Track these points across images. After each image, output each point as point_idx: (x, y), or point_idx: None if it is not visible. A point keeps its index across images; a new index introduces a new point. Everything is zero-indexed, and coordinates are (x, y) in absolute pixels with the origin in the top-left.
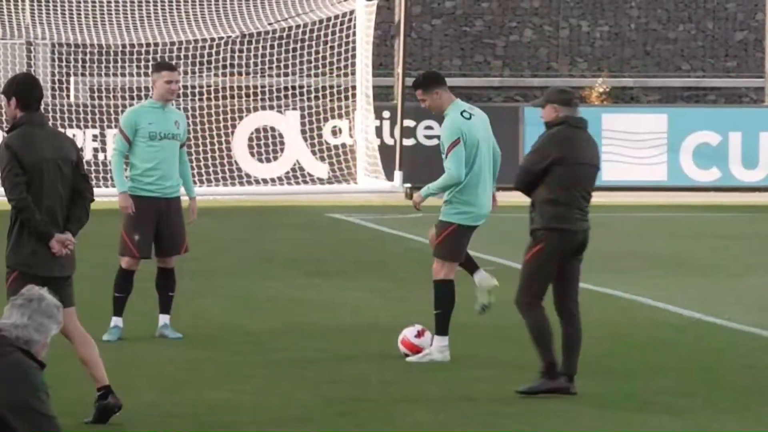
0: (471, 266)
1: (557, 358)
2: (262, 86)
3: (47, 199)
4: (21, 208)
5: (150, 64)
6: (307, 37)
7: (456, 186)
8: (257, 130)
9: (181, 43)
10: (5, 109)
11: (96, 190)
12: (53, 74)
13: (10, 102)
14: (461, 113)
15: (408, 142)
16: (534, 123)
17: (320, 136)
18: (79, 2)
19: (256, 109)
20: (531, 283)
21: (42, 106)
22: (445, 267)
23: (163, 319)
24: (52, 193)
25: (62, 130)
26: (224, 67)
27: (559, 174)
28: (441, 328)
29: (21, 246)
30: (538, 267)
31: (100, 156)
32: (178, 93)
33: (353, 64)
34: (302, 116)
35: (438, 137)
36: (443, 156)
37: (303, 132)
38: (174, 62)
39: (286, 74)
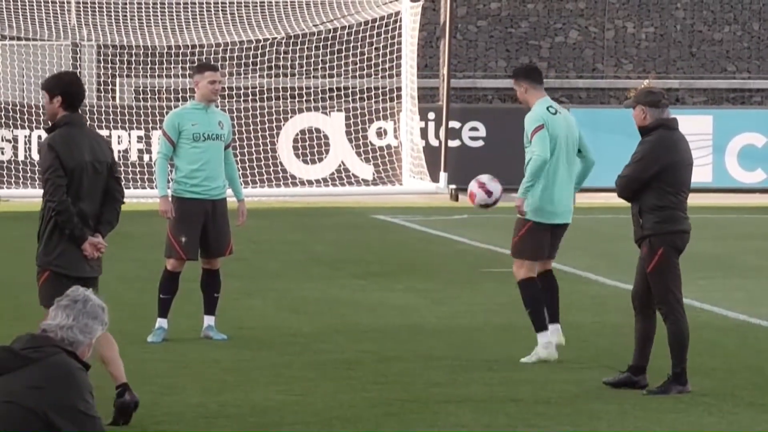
0: (551, 315)
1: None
2: (308, 87)
3: (82, 201)
4: (61, 211)
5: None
6: (352, 38)
7: (543, 167)
8: (302, 132)
9: (226, 44)
10: (46, 105)
11: (141, 192)
12: (99, 75)
13: (54, 99)
14: (547, 108)
15: (453, 143)
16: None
17: (365, 137)
18: (125, 4)
19: (301, 110)
20: (668, 290)
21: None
22: (525, 266)
23: (208, 320)
24: (87, 196)
25: (107, 132)
26: (269, 68)
27: (667, 179)
28: (538, 325)
29: (52, 246)
30: (667, 272)
31: (145, 157)
32: (222, 94)
33: (398, 66)
34: (347, 117)
35: (483, 138)
36: (526, 147)
37: (348, 133)
38: (219, 63)
39: (331, 75)
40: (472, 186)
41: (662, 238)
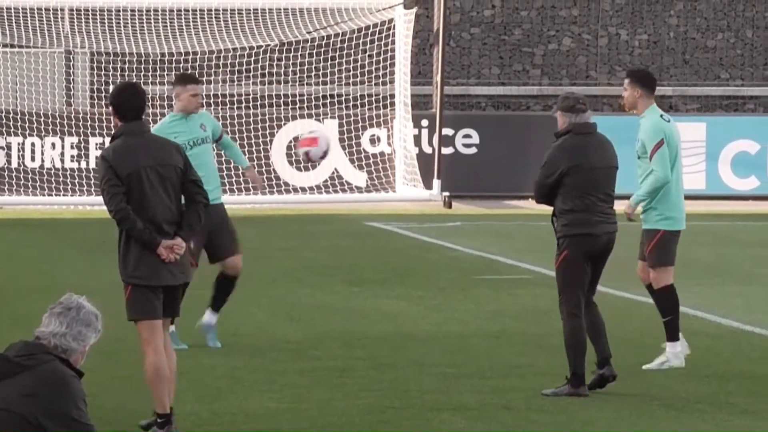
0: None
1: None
2: (301, 95)
3: (149, 207)
4: (121, 219)
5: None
6: (345, 45)
7: (663, 188)
8: (296, 139)
9: (219, 51)
10: (112, 118)
11: None
12: (92, 83)
13: (112, 111)
14: (660, 116)
15: (446, 150)
16: None
17: (359, 144)
18: (118, 11)
19: (294, 117)
20: (565, 289)
21: (143, 116)
22: (663, 273)
23: (212, 317)
24: (155, 201)
25: (100, 140)
26: (263, 75)
27: (572, 183)
28: (672, 335)
29: (129, 258)
30: (567, 273)
31: None
32: (216, 101)
33: (392, 73)
34: (340, 125)
35: (476, 146)
36: (640, 157)
37: (341, 140)
38: (213, 71)
39: (324, 83)
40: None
41: (568, 241)
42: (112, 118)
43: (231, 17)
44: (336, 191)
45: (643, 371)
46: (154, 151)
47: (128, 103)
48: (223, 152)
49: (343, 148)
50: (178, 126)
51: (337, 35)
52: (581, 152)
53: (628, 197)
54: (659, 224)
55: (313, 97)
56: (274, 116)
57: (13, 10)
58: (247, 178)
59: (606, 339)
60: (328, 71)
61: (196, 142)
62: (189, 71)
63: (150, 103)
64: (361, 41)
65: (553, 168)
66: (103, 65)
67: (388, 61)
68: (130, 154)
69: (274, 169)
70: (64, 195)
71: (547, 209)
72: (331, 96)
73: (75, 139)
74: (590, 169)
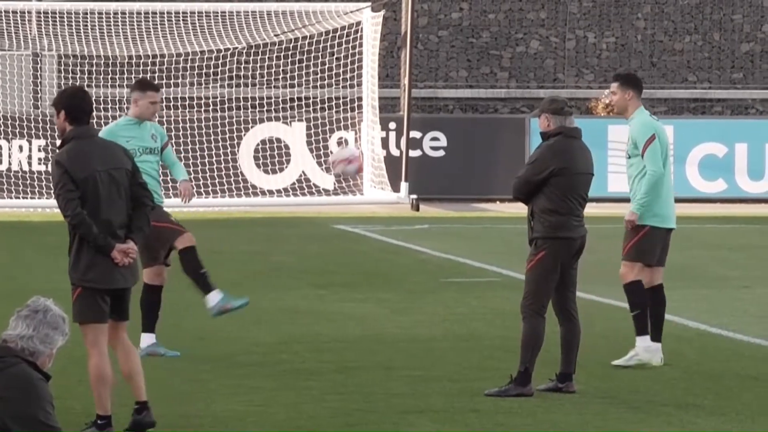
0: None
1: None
2: (268, 97)
3: (104, 211)
4: (77, 224)
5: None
6: (313, 48)
7: (659, 182)
8: (263, 142)
9: (187, 54)
10: (56, 122)
11: None
12: (59, 86)
13: (60, 115)
14: (650, 115)
15: (414, 153)
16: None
17: (326, 147)
18: (86, 14)
19: (262, 120)
20: (536, 290)
21: (92, 120)
22: (635, 269)
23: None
24: (108, 205)
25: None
26: (230, 78)
27: (558, 184)
28: (641, 328)
29: (80, 261)
30: (541, 274)
31: None
32: (183, 104)
33: (359, 76)
34: (308, 127)
35: (444, 148)
36: (630, 156)
37: (309, 143)
38: (180, 73)
39: (292, 86)
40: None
41: (546, 242)
42: (56, 121)
43: (198, 20)
44: (304, 194)
45: (611, 375)
46: (106, 155)
47: (80, 107)
48: (164, 162)
49: (311, 151)
50: (132, 130)
51: (304, 38)
52: (570, 155)
53: (594, 200)
54: (647, 220)
55: (280, 99)
56: (242, 119)
57: None
58: (180, 188)
59: (575, 355)
60: (296, 74)
61: (145, 151)
62: (156, 75)
63: (118, 106)
64: (328, 44)
65: (543, 166)
66: (70, 68)
67: (356, 64)
68: (84, 158)
69: (241, 172)
70: (31, 198)
71: (518, 212)
72: (299, 99)
73: (42, 142)
74: (575, 172)
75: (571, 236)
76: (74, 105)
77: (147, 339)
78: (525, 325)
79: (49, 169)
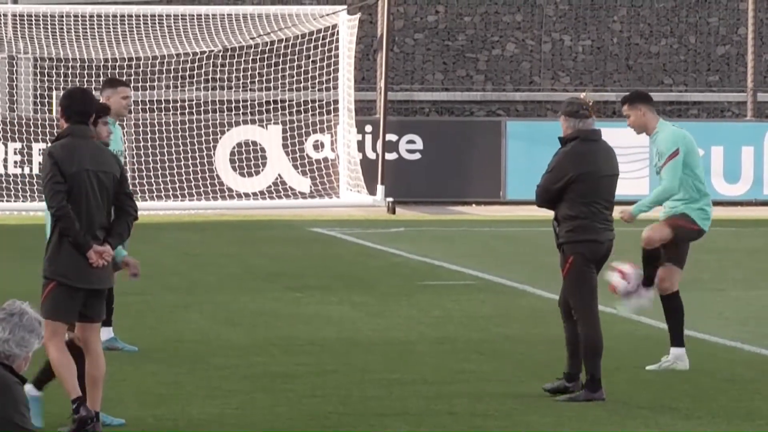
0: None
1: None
2: (244, 100)
3: (87, 210)
4: (60, 216)
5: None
6: (289, 51)
7: (667, 199)
8: (239, 145)
9: (163, 57)
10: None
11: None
12: (35, 89)
13: (59, 112)
14: (673, 125)
15: (390, 156)
16: (516, 137)
17: (302, 150)
18: (62, 17)
19: (238, 123)
20: (579, 295)
21: (89, 121)
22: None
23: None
24: (92, 205)
25: (43, 145)
26: (206, 81)
27: (579, 190)
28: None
29: (58, 256)
30: (578, 278)
31: None
32: (159, 107)
33: (335, 79)
34: (284, 130)
35: (420, 151)
36: (659, 172)
37: (285, 146)
38: (156, 76)
39: (268, 89)
40: (613, 277)
41: (573, 247)
42: (57, 119)
43: (174, 23)
44: (280, 197)
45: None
46: (98, 157)
47: (77, 106)
48: None
49: (287, 154)
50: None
51: (280, 41)
52: (589, 159)
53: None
54: (702, 222)
55: (256, 102)
56: (218, 122)
57: None
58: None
59: (581, 356)
60: (272, 77)
61: (117, 153)
62: (132, 77)
63: None
64: (304, 47)
65: (561, 174)
66: (46, 71)
67: (332, 67)
68: (75, 154)
69: (217, 175)
70: (7, 201)
71: (493, 215)
72: (275, 102)
73: (18, 145)
74: (598, 176)
75: (597, 239)
76: (71, 103)
77: (104, 333)
78: (582, 333)
79: (25, 172)
